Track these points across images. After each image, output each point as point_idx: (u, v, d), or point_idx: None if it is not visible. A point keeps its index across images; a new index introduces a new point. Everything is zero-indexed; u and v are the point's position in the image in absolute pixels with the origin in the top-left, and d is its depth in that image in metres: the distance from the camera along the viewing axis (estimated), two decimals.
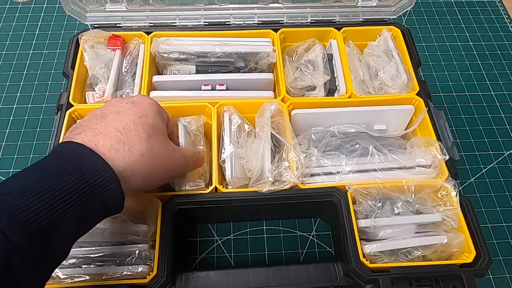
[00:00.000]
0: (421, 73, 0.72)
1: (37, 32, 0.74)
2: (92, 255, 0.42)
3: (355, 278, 0.43)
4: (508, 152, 0.65)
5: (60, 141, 0.50)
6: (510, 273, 0.55)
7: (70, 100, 0.51)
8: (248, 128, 0.50)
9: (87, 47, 0.54)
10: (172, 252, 0.43)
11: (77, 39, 0.55)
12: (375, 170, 0.48)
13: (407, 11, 0.61)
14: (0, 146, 0.61)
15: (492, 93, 0.71)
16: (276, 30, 0.58)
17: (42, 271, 0.29)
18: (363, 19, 0.61)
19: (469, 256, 0.43)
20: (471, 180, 0.62)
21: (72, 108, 0.50)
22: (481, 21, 0.81)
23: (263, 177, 0.47)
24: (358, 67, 0.56)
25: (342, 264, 0.45)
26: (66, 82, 0.53)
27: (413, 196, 0.46)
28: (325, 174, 0.48)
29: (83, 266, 0.42)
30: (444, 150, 0.48)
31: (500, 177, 0.63)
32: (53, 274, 0.40)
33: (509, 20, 0.81)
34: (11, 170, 0.59)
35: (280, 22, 0.60)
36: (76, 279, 0.41)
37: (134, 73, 0.55)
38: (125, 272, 0.41)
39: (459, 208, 0.45)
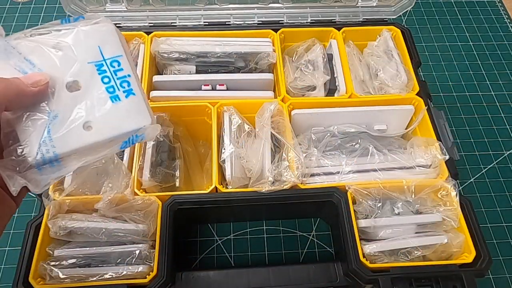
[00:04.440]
0: (421, 73, 0.72)
1: None
2: (92, 255, 0.42)
3: (355, 278, 0.43)
4: (508, 152, 0.65)
5: None
6: (510, 273, 0.55)
7: None
8: (248, 128, 0.50)
9: None
10: (172, 252, 0.43)
11: None
12: (375, 170, 0.48)
13: (407, 11, 0.61)
14: None
15: (492, 93, 0.71)
16: (276, 30, 0.58)
17: None
18: (363, 19, 0.61)
19: (469, 256, 0.43)
20: (471, 180, 0.62)
21: None
22: (481, 21, 0.81)
23: (263, 177, 0.47)
24: (358, 67, 0.56)
25: (342, 264, 0.45)
26: None
27: (413, 196, 0.46)
28: (325, 174, 0.48)
29: (83, 266, 0.42)
30: (444, 150, 0.48)
31: (500, 177, 0.63)
32: (53, 274, 0.41)
33: (509, 20, 0.81)
34: None
35: (280, 22, 0.60)
36: (76, 279, 0.41)
37: None
38: (125, 272, 0.41)
39: (459, 208, 0.45)
